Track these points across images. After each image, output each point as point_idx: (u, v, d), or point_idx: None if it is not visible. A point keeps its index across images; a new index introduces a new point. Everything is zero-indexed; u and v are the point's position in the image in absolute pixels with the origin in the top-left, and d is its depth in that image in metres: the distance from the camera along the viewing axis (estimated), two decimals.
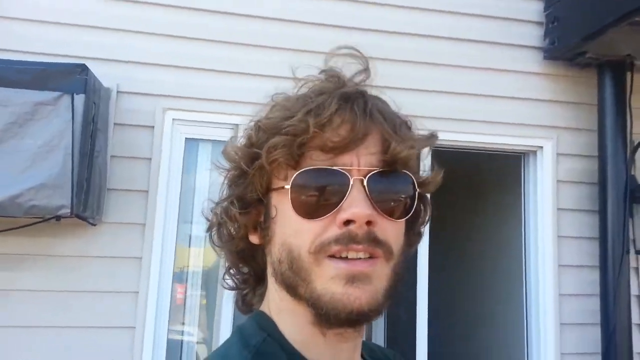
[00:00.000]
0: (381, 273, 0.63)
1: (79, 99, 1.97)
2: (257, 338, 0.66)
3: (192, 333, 2.45)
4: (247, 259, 0.74)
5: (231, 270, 0.77)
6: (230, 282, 0.77)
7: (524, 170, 2.76)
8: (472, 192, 3.61)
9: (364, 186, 0.63)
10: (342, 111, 0.64)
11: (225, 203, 0.70)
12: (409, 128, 0.70)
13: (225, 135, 2.42)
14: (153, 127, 2.34)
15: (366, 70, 0.69)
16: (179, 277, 2.40)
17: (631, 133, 2.56)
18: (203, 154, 2.48)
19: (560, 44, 2.62)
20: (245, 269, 0.76)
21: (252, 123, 0.69)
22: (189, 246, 2.46)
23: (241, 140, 0.70)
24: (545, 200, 2.63)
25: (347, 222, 0.62)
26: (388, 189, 0.65)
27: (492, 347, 3.43)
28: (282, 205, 0.66)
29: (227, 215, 0.70)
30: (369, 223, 0.62)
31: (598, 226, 2.55)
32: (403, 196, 0.67)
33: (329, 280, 0.62)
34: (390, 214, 0.65)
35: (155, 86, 2.37)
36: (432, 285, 2.52)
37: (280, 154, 0.63)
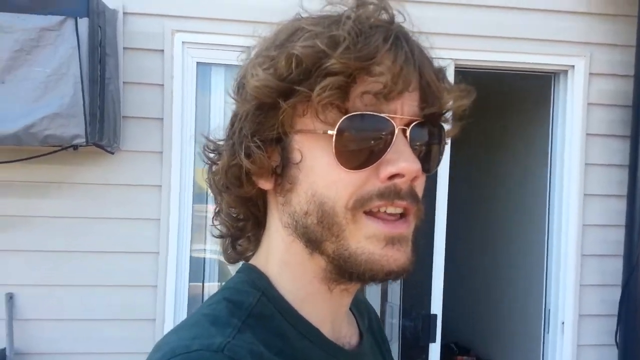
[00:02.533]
0: (412, 231, 0.62)
1: (83, 23, 1.89)
2: (249, 299, 0.62)
3: (214, 251, 2.52)
4: (249, 204, 0.68)
5: (224, 216, 0.71)
6: (221, 227, 0.72)
7: (553, 91, 2.60)
8: (497, 116, 3.48)
9: (406, 136, 0.59)
10: (392, 53, 0.58)
11: (245, 142, 0.62)
12: (445, 75, 0.65)
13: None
14: (163, 50, 2.26)
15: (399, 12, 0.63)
16: (199, 198, 2.41)
17: None
18: (216, 80, 2.40)
19: None
20: (243, 215, 0.70)
21: (276, 49, 0.60)
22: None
23: (256, 66, 0.61)
24: (575, 124, 2.49)
25: (392, 176, 0.58)
26: (425, 141, 0.62)
27: (511, 274, 3.46)
28: (312, 151, 0.60)
29: (247, 156, 0.61)
30: (414, 179, 0.59)
31: (629, 153, 2.43)
32: (436, 149, 0.63)
33: (366, 240, 0.59)
34: (425, 168, 0.62)
35: (162, 6, 2.26)
36: (450, 210, 2.48)
37: (333, 96, 0.56)
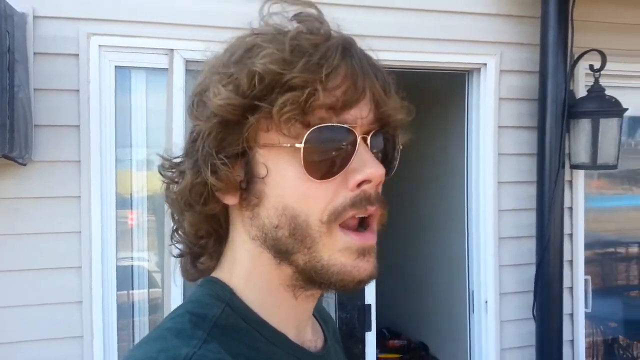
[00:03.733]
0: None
1: None
2: (213, 310, 0.62)
3: (142, 258, 2.44)
4: (212, 221, 0.68)
5: (183, 235, 0.70)
6: (181, 246, 0.71)
7: (467, 88, 2.75)
8: (417, 112, 3.61)
9: (367, 144, 0.62)
10: (345, 65, 0.61)
11: (210, 159, 0.62)
12: (393, 84, 0.68)
13: (159, 62, 2.24)
14: (78, 55, 2.14)
15: (321, 19, 0.65)
16: (122, 203, 2.32)
17: (572, 47, 2.58)
18: (136, 84, 2.31)
19: None
20: (205, 233, 0.69)
21: (234, 66, 0.61)
22: (131, 170, 2.36)
23: (216, 84, 0.61)
24: (488, 118, 2.65)
25: (361, 183, 0.61)
26: (383, 148, 0.66)
27: (436, 260, 3.62)
28: (278, 165, 0.61)
29: (213, 173, 0.62)
30: (378, 183, 0.63)
31: (536, 142, 2.63)
32: (392, 154, 0.68)
33: (339, 252, 0.61)
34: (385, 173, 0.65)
35: (76, 9, 2.13)
36: None
37: (294, 110, 0.58)
